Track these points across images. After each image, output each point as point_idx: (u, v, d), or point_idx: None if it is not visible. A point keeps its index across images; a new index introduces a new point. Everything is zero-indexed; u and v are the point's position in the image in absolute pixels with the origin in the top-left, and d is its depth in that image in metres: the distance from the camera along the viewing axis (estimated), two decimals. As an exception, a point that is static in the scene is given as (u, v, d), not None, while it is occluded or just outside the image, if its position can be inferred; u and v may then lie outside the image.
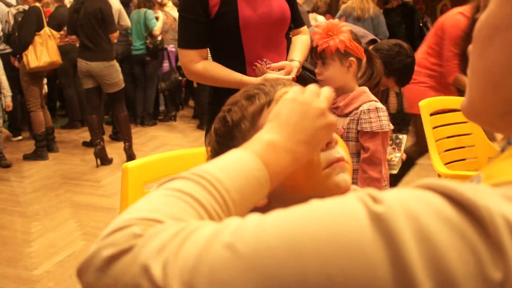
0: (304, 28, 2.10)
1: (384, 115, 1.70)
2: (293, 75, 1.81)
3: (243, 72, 1.82)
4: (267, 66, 1.82)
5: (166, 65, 6.02)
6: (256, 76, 1.82)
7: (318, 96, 0.66)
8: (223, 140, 0.75)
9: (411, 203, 0.36)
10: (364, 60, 1.81)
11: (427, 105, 2.54)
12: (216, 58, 1.87)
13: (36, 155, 4.63)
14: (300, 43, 2.02)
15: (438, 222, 0.35)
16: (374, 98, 1.74)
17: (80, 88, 4.90)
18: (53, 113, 5.82)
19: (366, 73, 1.85)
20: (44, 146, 4.69)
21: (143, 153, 4.77)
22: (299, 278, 0.35)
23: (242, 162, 0.55)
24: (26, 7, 4.76)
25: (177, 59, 5.99)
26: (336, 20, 1.75)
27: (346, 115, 1.73)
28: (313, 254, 0.36)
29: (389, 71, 2.25)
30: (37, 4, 4.66)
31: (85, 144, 5.15)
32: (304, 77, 2.01)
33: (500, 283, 0.33)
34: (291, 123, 0.62)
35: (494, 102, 0.49)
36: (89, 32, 4.33)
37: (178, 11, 1.87)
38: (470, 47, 0.52)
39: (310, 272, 0.35)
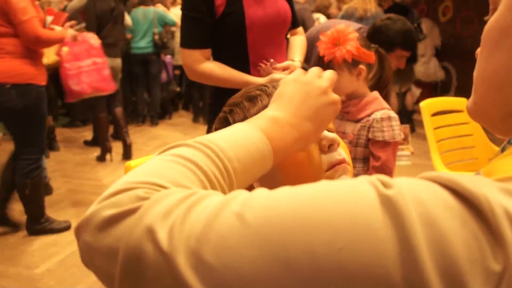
0: (300, 28, 2.13)
1: (396, 124, 1.67)
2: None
3: (247, 72, 1.81)
4: (273, 67, 1.82)
5: (163, 75, 6.03)
6: (260, 76, 1.82)
7: (320, 77, 0.66)
8: None
9: (419, 190, 0.37)
10: (376, 61, 1.76)
11: (428, 105, 2.54)
12: (218, 59, 1.85)
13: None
14: (299, 44, 2.04)
15: (442, 209, 0.36)
16: (386, 105, 1.71)
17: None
18: (54, 112, 5.82)
19: (376, 74, 1.81)
20: (45, 145, 4.69)
21: (144, 152, 4.77)
22: (307, 249, 0.36)
23: (245, 134, 0.56)
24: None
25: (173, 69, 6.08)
26: (342, 27, 1.69)
27: (357, 120, 1.70)
28: (322, 226, 0.36)
29: (391, 43, 2.16)
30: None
31: (87, 143, 5.16)
32: None
33: (500, 272, 0.34)
34: (294, 101, 0.62)
35: (498, 104, 0.51)
36: (110, 29, 4.50)
37: (182, 10, 1.84)
38: (478, 50, 0.53)
39: (317, 243, 0.36)
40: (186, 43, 1.83)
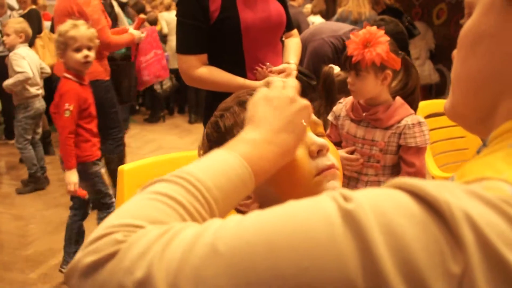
0: (295, 31, 2.13)
1: (426, 129, 1.66)
2: (293, 77, 1.82)
3: (243, 76, 1.82)
4: (269, 70, 1.82)
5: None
6: (256, 80, 1.82)
7: (284, 87, 0.67)
8: (215, 145, 0.75)
9: (379, 201, 0.39)
10: (402, 68, 1.73)
11: (423, 108, 2.55)
12: (215, 63, 1.86)
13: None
14: (294, 46, 2.04)
15: (403, 217, 0.37)
16: (412, 110, 1.69)
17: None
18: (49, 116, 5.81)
19: (401, 81, 1.77)
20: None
21: (139, 156, 4.76)
22: (274, 272, 0.37)
23: (223, 161, 0.56)
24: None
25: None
26: (374, 29, 1.63)
27: (387, 127, 1.67)
28: (287, 249, 0.38)
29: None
30: (34, 6, 4.68)
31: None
32: (300, 80, 2.03)
33: (460, 274, 0.35)
34: (266, 119, 0.63)
35: (474, 107, 0.52)
36: None
37: (177, 16, 1.85)
38: (455, 52, 0.54)
39: (284, 266, 0.37)
40: (182, 49, 1.84)
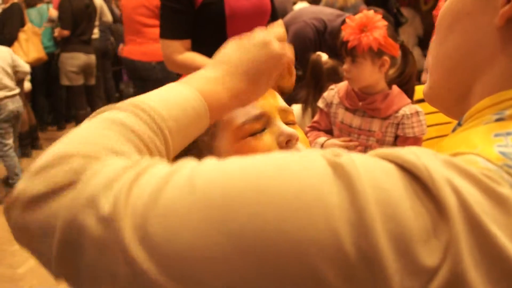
0: (280, 21, 2.10)
1: (423, 118, 1.62)
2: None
3: None
4: None
5: None
6: None
7: (267, 32, 0.63)
8: None
9: (366, 161, 0.38)
10: (399, 56, 1.67)
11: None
12: (198, 49, 1.83)
13: (20, 153, 4.59)
14: None
15: (390, 177, 0.36)
16: (409, 100, 1.65)
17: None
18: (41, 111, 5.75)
19: (398, 69, 1.71)
20: (28, 144, 4.65)
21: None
22: (255, 217, 0.35)
23: (178, 93, 0.52)
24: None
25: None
26: (371, 13, 1.57)
27: (385, 117, 1.62)
28: (272, 196, 0.35)
29: None
30: (15, 0, 4.61)
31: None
32: None
33: (446, 241, 0.34)
34: (228, 58, 0.59)
35: (450, 87, 0.52)
36: (85, 26, 4.53)
37: (161, 0, 1.82)
38: (434, 37, 0.55)
39: (268, 211, 0.35)
40: (166, 33, 1.81)
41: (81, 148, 0.41)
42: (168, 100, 0.51)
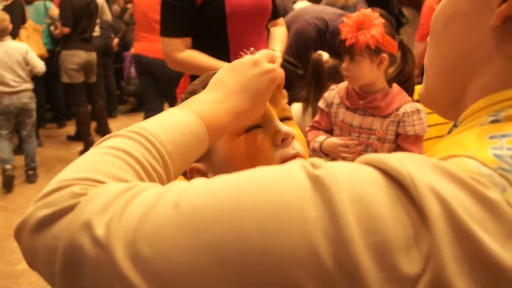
0: (281, 19, 2.11)
1: (424, 116, 1.61)
2: (277, 65, 1.80)
3: (227, 61, 1.79)
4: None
5: (133, 71, 5.99)
6: None
7: (253, 55, 0.65)
8: None
9: (349, 170, 0.38)
10: (398, 54, 1.67)
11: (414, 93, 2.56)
12: (199, 48, 1.83)
13: (20, 150, 4.58)
14: (279, 35, 2.02)
15: (372, 187, 0.36)
16: (409, 98, 1.65)
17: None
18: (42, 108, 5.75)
19: (398, 68, 1.71)
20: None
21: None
22: (237, 234, 0.36)
23: (176, 117, 0.54)
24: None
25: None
26: (368, 11, 1.57)
27: (385, 116, 1.62)
28: (253, 212, 0.37)
29: None
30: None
31: (70, 138, 5.11)
32: (286, 68, 2.01)
33: (427, 250, 0.34)
34: (223, 81, 0.61)
35: (446, 89, 0.52)
36: (86, 24, 4.51)
37: None
38: (429, 38, 0.54)
39: (249, 228, 0.36)
40: (166, 31, 1.81)
41: (83, 174, 0.44)
42: (167, 125, 0.53)
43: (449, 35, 0.50)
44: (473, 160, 0.38)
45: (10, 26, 3.80)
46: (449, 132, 0.49)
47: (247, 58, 0.63)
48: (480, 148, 0.40)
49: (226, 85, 0.61)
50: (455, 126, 0.49)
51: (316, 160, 0.40)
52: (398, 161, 0.37)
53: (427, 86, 0.55)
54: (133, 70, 5.99)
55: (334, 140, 1.70)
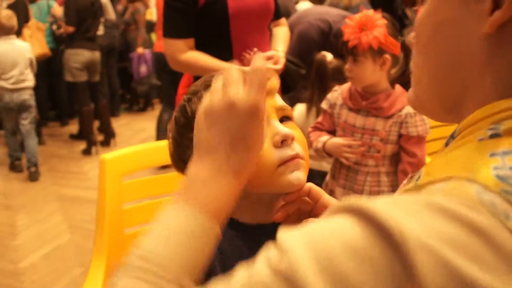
0: (283, 19, 2.10)
1: (427, 117, 1.57)
2: (281, 65, 1.80)
3: (230, 62, 1.80)
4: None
5: (144, 69, 6.08)
6: (244, 66, 1.80)
7: (225, 86, 0.55)
8: (183, 130, 0.73)
9: (321, 242, 0.37)
10: (401, 55, 1.66)
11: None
12: (201, 48, 1.83)
13: (23, 148, 4.60)
14: (282, 35, 2.02)
15: (349, 257, 0.35)
16: None
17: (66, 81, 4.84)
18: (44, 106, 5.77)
19: (400, 68, 1.70)
20: None
21: (129, 144, 4.75)
22: None
23: (184, 228, 0.51)
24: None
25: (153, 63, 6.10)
26: (370, 12, 1.58)
27: (388, 116, 1.63)
28: None
29: None
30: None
31: (72, 137, 5.12)
32: (286, 69, 2.00)
33: None
34: (209, 145, 0.55)
35: (441, 97, 0.50)
36: (90, 23, 4.51)
37: None
38: (412, 36, 0.52)
39: None
40: (169, 32, 1.81)
41: None
42: (176, 245, 0.50)
43: (437, 44, 0.48)
44: (474, 184, 0.36)
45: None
46: (447, 144, 0.48)
47: (220, 103, 0.54)
48: (481, 168, 0.38)
49: (214, 149, 0.54)
50: (452, 137, 0.47)
51: (283, 238, 0.39)
52: (388, 208, 0.36)
53: (418, 92, 0.52)
54: (142, 70, 6.04)
55: (337, 140, 1.70)
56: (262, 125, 0.55)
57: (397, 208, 0.36)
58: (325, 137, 1.75)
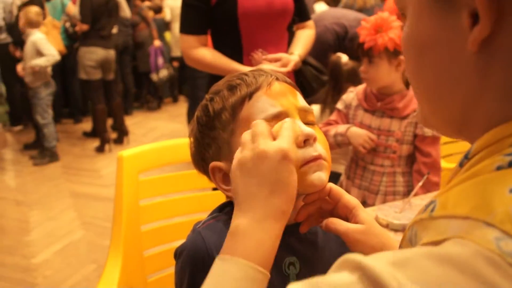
0: (310, 22, 2.05)
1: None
2: (289, 68, 1.79)
3: (240, 61, 1.81)
4: (263, 57, 1.80)
5: (160, 61, 6.23)
6: (251, 65, 1.81)
7: (253, 141, 0.60)
8: (205, 129, 0.73)
9: None
10: None
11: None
12: (215, 46, 1.87)
13: (37, 145, 4.64)
14: (303, 38, 1.98)
15: None
16: None
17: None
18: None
19: None
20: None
21: (141, 143, 4.77)
22: None
23: (230, 284, 0.52)
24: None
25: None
26: (386, 14, 1.59)
27: (403, 117, 1.64)
28: None
29: None
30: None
31: (86, 134, 5.16)
32: (304, 73, 1.99)
33: None
34: (249, 195, 0.57)
35: (446, 119, 0.47)
36: (105, 22, 4.55)
37: None
38: (405, 67, 0.50)
39: None
40: (183, 28, 1.86)
41: None
42: None
43: (425, 66, 0.45)
44: (493, 228, 0.33)
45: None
46: (461, 164, 0.44)
47: (254, 155, 0.58)
48: (501, 208, 0.34)
49: (252, 198, 0.57)
50: (466, 158, 0.44)
51: None
52: (390, 270, 0.33)
53: (424, 114, 0.50)
54: (159, 62, 6.22)
55: (362, 130, 1.70)
56: (294, 168, 0.59)
57: (399, 268, 0.34)
58: (344, 126, 1.76)
